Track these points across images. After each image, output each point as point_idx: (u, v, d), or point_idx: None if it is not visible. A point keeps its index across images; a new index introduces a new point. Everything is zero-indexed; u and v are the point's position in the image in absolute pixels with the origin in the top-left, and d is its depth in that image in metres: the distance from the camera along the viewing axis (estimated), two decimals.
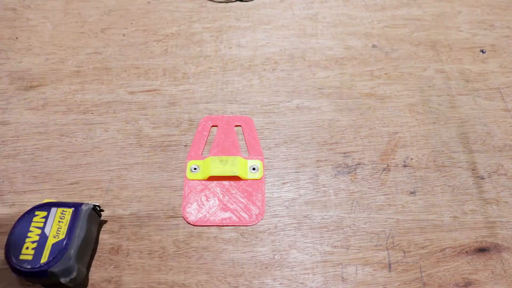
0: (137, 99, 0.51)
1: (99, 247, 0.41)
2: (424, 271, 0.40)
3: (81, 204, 0.40)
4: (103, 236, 0.42)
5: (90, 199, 0.44)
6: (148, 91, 0.52)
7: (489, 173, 0.46)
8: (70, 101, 0.51)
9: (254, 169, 0.46)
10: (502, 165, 0.47)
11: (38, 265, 0.37)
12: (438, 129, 0.49)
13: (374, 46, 0.57)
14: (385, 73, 0.54)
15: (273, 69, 0.54)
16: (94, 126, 0.49)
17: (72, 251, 0.38)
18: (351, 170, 0.46)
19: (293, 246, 0.41)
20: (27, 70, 0.54)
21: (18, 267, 0.37)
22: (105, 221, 0.43)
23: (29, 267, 0.37)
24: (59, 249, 0.37)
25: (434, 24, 0.59)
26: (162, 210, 0.43)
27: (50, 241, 0.38)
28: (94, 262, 0.40)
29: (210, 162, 0.45)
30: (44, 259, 0.37)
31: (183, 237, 0.42)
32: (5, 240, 0.38)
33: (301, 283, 0.39)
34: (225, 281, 0.39)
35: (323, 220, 0.43)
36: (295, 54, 0.56)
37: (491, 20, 0.60)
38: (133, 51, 0.56)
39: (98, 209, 0.41)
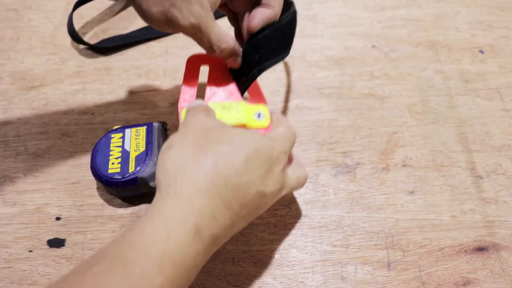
0: (137, 99, 0.51)
1: (99, 246, 0.41)
2: (423, 270, 0.40)
3: (151, 123, 0.45)
4: (104, 236, 0.42)
5: (91, 199, 0.44)
6: (149, 91, 0.52)
7: (487, 173, 0.46)
8: (71, 101, 0.51)
9: (259, 115, 0.39)
10: (501, 165, 0.47)
11: (127, 174, 0.41)
12: (437, 129, 0.49)
13: (373, 46, 0.57)
14: (385, 73, 0.54)
15: (273, 69, 0.55)
16: (94, 126, 0.49)
17: (156, 158, 0.42)
18: (350, 169, 0.46)
19: (293, 245, 0.42)
20: (29, 70, 0.54)
21: (110, 179, 0.41)
22: (106, 221, 0.43)
23: (119, 177, 0.41)
24: (143, 158, 0.42)
25: (433, 25, 0.59)
26: None
27: (133, 155, 0.42)
28: None
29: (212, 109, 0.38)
30: (131, 168, 0.41)
31: None
32: (90, 163, 0.42)
33: (301, 282, 0.40)
34: (225, 280, 0.40)
35: (322, 220, 0.43)
36: (295, 54, 0.56)
37: (490, 20, 0.60)
38: (133, 51, 0.56)
39: (165, 127, 0.46)
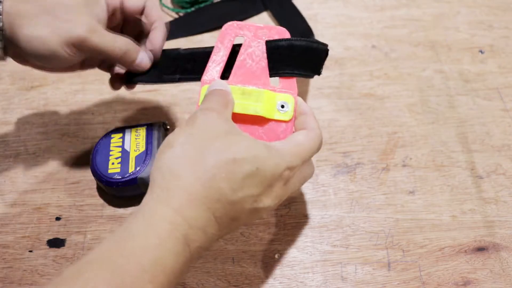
0: (137, 99, 0.51)
1: None
2: (423, 270, 0.40)
3: (151, 123, 0.44)
4: (104, 236, 0.42)
5: (91, 199, 0.44)
6: (149, 91, 0.52)
7: (487, 173, 0.46)
8: (71, 101, 0.51)
9: (283, 106, 0.36)
10: (501, 165, 0.47)
11: (127, 174, 0.41)
12: (437, 129, 0.49)
13: (373, 46, 0.57)
14: (385, 73, 0.54)
15: None
16: (94, 126, 0.49)
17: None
18: (350, 169, 0.46)
19: (293, 245, 0.42)
20: (29, 70, 0.54)
21: (110, 179, 0.41)
22: (106, 221, 0.43)
23: (119, 177, 0.41)
24: (143, 158, 0.42)
25: (433, 25, 0.59)
26: None
27: (133, 155, 0.42)
28: None
29: None
30: (131, 169, 0.41)
31: None
32: (91, 164, 0.42)
33: (301, 282, 0.40)
34: (225, 280, 0.40)
35: (322, 220, 0.43)
36: None
37: (490, 20, 0.60)
38: None
39: (165, 127, 0.46)
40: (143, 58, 0.38)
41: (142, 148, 0.42)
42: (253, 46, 0.37)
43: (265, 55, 0.37)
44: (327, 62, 0.55)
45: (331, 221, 0.43)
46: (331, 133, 0.49)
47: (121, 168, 0.41)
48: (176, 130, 0.32)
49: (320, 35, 0.58)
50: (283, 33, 0.38)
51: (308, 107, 0.36)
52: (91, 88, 0.52)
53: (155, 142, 0.43)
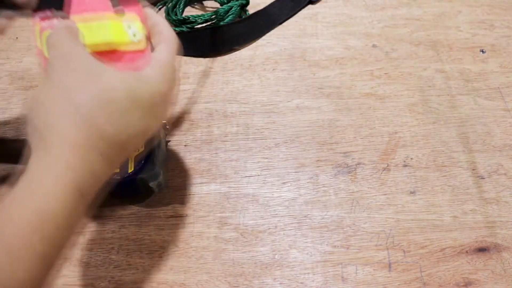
0: None
1: (98, 247, 0.41)
2: (424, 271, 0.40)
3: None
4: (103, 236, 0.42)
5: None
6: None
7: (489, 173, 0.46)
8: None
9: (134, 35, 0.31)
10: (502, 165, 0.47)
11: (127, 175, 0.40)
12: (438, 129, 0.49)
13: (374, 46, 0.57)
14: (385, 73, 0.54)
15: (273, 69, 0.54)
16: None
17: (155, 159, 0.42)
18: (351, 170, 0.46)
19: (293, 246, 0.41)
20: (27, 70, 0.54)
21: (110, 179, 0.39)
22: (105, 221, 0.43)
23: (119, 177, 0.40)
24: (143, 158, 0.41)
25: (434, 24, 0.59)
26: (162, 210, 0.43)
27: (132, 155, 0.41)
28: (94, 262, 0.40)
29: None
30: (131, 169, 0.41)
31: (183, 236, 0.42)
32: None
33: (301, 282, 0.39)
34: (225, 280, 0.39)
35: (323, 220, 0.43)
36: (295, 54, 0.56)
37: (491, 20, 0.60)
38: None
39: (165, 126, 0.46)
40: None
41: (141, 148, 0.42)
42: None
43: None
44: (328, 62, 0.55)
45: (332, 222, 0.43)
46: (331, 133, 0.49)
47: (121, 168, 0.41)
48: (40, 85, 0.29)
49: (320, 34, 0.58)
50: None
51: (158, 16, 0.33)
52: None
53: (154, 142, 0.43)
